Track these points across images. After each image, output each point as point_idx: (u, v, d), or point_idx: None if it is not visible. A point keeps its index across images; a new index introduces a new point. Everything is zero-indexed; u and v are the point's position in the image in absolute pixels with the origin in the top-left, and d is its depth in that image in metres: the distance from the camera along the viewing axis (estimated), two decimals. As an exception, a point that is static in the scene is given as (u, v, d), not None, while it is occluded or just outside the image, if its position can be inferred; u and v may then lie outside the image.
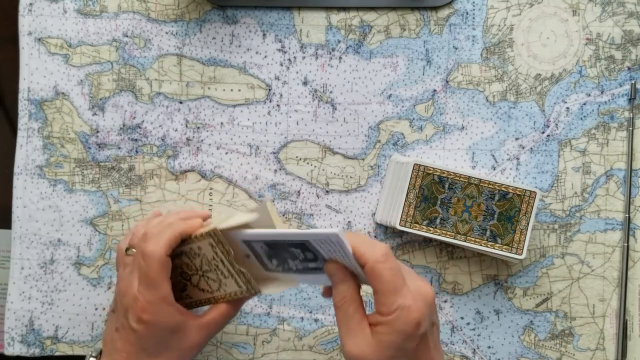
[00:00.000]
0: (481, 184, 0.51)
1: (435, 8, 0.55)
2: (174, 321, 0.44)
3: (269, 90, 0.56)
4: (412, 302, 0.39)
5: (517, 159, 0.55)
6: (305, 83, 0.56)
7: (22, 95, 0.56)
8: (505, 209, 0.51)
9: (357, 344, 0.40)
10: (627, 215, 0.54)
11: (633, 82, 0.54)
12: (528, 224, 0.50)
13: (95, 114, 0.56)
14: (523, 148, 0.55)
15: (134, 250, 0.47)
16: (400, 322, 0.39)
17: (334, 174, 0.56)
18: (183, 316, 0.45)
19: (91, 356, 0.48)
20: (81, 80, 0.56)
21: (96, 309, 0.56)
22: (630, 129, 0.54)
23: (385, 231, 0.56)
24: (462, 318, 0.55)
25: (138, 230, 0.48)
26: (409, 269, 0.43)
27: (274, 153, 0.56)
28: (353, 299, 0.41)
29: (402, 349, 0.39)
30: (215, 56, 0.56)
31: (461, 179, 0.51)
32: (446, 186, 0.51)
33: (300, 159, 0.56)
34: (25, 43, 0.56)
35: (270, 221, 0.43)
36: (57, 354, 0.56)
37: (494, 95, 0.55)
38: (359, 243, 0.41)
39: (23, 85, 0.56)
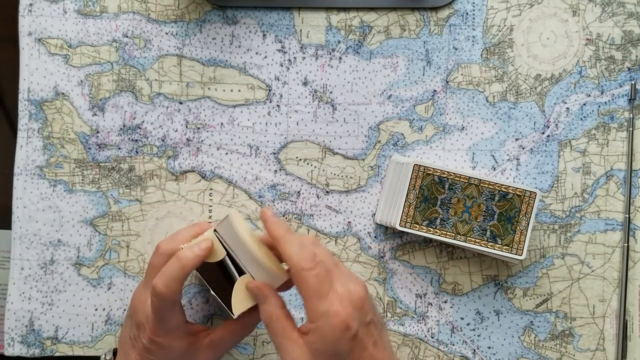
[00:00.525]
0: (481, 185, 0.51)
1: (435, 8, 0.55)
2: (184, 345, 0.46)
3: (269, 90, 0.56)
4: (338, 306, 0.39)
5: (517, 159, 0.55)
6: (305, 83, 0.56)
7: (22, 95, 0.56)
8: (505, 210, 0.51)
9: (292, 357, 0.40)
10: (627, 215, 0.54)
11: (633, 82, 0.54)
12: (528, 224, 0.50)
13: (95, 114, 0.56)
14: (523, 148, 0.55)
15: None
16: (327, 328, 0.39)
17: (334, 174, 0.56)
18: (194, 337, 0.46)
19: (105, 359, 0.50)
20: (81, 81, 0.56)
21: (96, 309, 0.56)
22: (630, 129, 0.54)
23: (386, 231, 0.56)
24: (462, 318, 0.55)
25: (162, 248, 0.48)
26: (342, 269, 0.43)
27: (274, 153, 0.56)
28: (278, 316, 0.42)
29: (335, 355, 0.39)
30: (215, 57, 0.56)
31: (461, 180, 0.51)
32: (446, 187, 0.51)
33: (300, 159, 0.56)
34: (25, 43, 0.56)
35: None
36: (57, 354, 0.56)
37: (494, 96, 0.55)
38: (288, 243, 0.41)
39: (23, 85, 0.56)
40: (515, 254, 0.50)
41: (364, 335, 0.40)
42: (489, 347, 0.55)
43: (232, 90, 0.56)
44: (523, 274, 0.55)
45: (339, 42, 0.56)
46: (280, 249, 0.42)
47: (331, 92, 0.56)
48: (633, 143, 0.54)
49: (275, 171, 0.56)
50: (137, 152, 0.56)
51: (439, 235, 0.51)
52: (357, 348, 0.40)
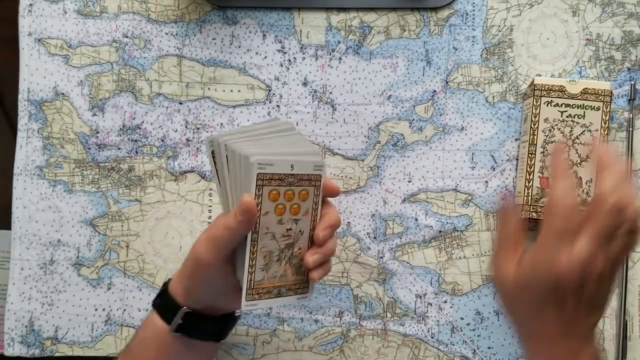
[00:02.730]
0: None
1: (435, 9, 0.55)
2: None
3: (269, 90, 0.56)
4: (565, 262, 0.39)
5: (517, 159, 0.55)
6: (305, 84, 0.56)
7: (22, 95, 0.56)
8: None
9: (508, 270, 0.42)
10: (627, 215, 0.53)
11: (633, 82, 0.54)
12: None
13: (95, 114, 0.56)
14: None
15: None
16: (540, 270, 0.40)
17: (334, 174, 0.56)
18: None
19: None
20: (81, 81, 0.56)
21: (96, 309, 0.56)
22: (630, 129, 0.54)
23: (385, 232, 0.56)
24: (462, 319, 0.55)
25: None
26: (601, 242, 0.40)
27: (274, 154, 0.56)
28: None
29: (537, 294, 0.40)
30: (215, 57, 0.56)
31: None
32: None
33: (300, 159, 0.56)
34: (25, 44, 0.57)
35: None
36: (57, 354, 0.56)
37: (493, 96, 0.55)
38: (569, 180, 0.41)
39: (23, 85, 0.56)
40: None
41: (569, 301, 0.39)
42: (489, 347, 0.55)
43: (232, 91, 0.56)
44: (523, 274, 0.55)
45: (339, 42, 0.56)
46: (553, 180, 0.41)
47: (331, 93, 0.56)
48: (633, 143, 0.54)
49: (275, 171, 0.56)
50: (136, 152, 0.56)
51: None
52: (555, 304, 0.39)
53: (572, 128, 0.51)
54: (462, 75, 0.55)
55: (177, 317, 0.44)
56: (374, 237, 0.56)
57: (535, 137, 0.50)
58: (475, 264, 0.55)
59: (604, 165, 0.41)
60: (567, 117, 0.50)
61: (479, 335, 0.55)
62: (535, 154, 0.50)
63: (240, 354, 0.56)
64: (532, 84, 0.52)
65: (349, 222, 0.56)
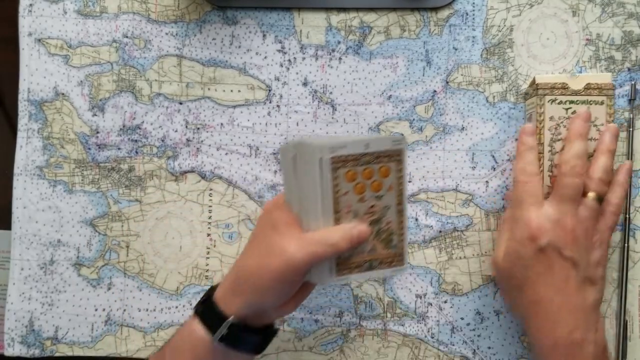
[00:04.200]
0: None
1: (435, 9, 0.55)
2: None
3: (269, 91, 0.56)
4: (533, 216, 0.45)
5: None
6: (305, 84, 0.56)
7: (22, 96, 0.56)
8: None
9: (497, 247, 0.49)
10: (627, 215, 0.53)
11: (633, 82, 0.54)
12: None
13: (95, 114, 0.56)
14: (523, 149, 0.55)
15: None
16: (517, 231, 0.46)
17: (334, 174, 0.56)
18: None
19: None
20: (81, 81, 0.56)
21: (96, 309, 0.56)
22: (630, 129, 0.54)
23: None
24: (462, 319, 0.55)
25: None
26: (565, 200, 0.46)
27: (274, 154, 0.56)
28: None
29: (520, 258, 0.45)
30: (215, 57, 0.56)
31: None
32: None
33: (300, 159, 0.56)
34: (25, 44, 0.57)
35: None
36: (57, 354, 0.56)
37: (494, 96, 0.55)
38: (521, 156, 0.50)
39: (23, 86, 0.56)
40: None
41: (554, 258, 0.43)
42: (489, 347, 0.55)
43: (232, 91, 0.56)
44: (523, 274, 0.55)
45: (339, 42, 0.56)
46: (518, 155, 0.49)
47: (331, 93, 0.56)
48: (633, 143, 0.54)
49: (275, 171, 0.56)
50: (136, 152, 0.56)
51: None
52: (542, 264, 0.43)
53: None
54: (462, 75, 0.55)
55: (222, 328, 0.43)
56: (374, 237, 0.56)
57: (542, 136, 0.50)
58: (476, 264, 0.55)
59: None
60: (572, 113, 0.50)
61: (479, 335, 0.55)
62: (543, 152, 0.50)
63: (240, 354, 0.56)
64: (533, 82, 0.52)
65: (349, 222, 0.56)
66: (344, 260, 0.43)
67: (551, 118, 0.50)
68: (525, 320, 0.46)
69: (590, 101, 0.50)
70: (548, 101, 0.51)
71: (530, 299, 0.45)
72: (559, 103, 0.50)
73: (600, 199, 0.47)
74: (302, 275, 0.42)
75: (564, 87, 0.51)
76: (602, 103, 0.50)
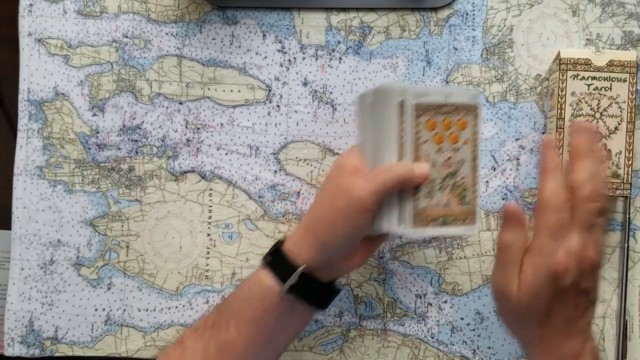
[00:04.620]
0: None
1: (435, 9, 0.55)
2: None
3: (269, 91, 0.56)
4: (562, 255, 0.39)
5: (517, 159, 0.55)
6: (305, 84, 0.56)
7: (22, 96, 0.56)
8: None
9: (507, 282, 0.41)
10: (627, 216, 0.53)
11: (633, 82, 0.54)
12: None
13: (95, 114, 0.56)
14: (523, 149, 0.55)
15: None
16: (541, 268, 0.40)
17: (334, 174, 0.56)
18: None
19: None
20: (81, 81, 0.56)
21: (96, 309, 0.56)
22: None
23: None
24: (462, 319, 0.55)
25: None
26: (595, 235, 0.41)
27: (274, 154, 0.56)
28: (519, 246, 0.42)
29: (537, 295, 0.40)
30: (215, 57, 0.56)
31: None
32: None
33: (300, 159, 0.56)
34: (25, 44, 0.57)
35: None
36: (57, 354, 0.56)
37: (494, 96, 0.55)
38: (550, 179, 0.41)
39: (23, 86, 0.56)
40: None
41: (571, 292, 0.40)
42: (489, 347, 0.55)
43: (232, 91, 0.56)
44: (523, 274, 0.55)
45: (339, 42, 0.56)
46: (543, 178, 0.42)
47: (331, 93, 0.56)
48: (634, 143, 0.54)
49: (275, 171, 0.56)
50: (136, 152, 0.56)
51: None
52: (558, 298, 0.40)
53: (599, 101, 0.51)
54: (462, 75, 0.55)
55: (293, 276, 0.44)
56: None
57: (562, 111, 0.50)
58: (476, 264, 0.55)
59: (579, 154, 0.42)
60: (593, 89, 0.50)
61: (479, 335, 0.55)
62: (563, 128, 0.50)
63: (240, 354, 0.56)
64: (557, 57, 0.52)
65: (349, 222, 0.56)
66: (420, 211, 0.42)
67: (573, 94, 0.50)
68: (528, 346, 0.44)
69: (613, 78, 0.50)
70: (570, 77, 0.51)
71: (541, 330, 0.42)
72: (581, 79, 0.50)
73: None
74: (369, 212, 0.42)
75: (587, 62, 0.51)
76: (624, 80, 0.50)
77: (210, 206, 0.56)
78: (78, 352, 0.56)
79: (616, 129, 0.50)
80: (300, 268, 0.44)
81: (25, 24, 0.57)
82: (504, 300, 0.42)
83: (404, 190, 0.42)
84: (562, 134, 0.51)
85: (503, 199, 0.54)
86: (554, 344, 0.41)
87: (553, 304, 0.40)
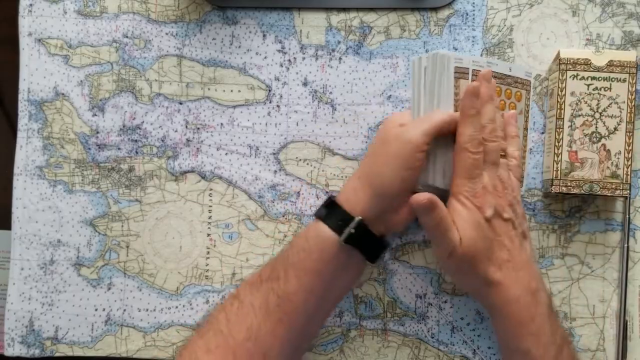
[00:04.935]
0: None
1: (435, 9, 0.55)
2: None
3: (269, 91, 0.56)
4: (478, 189, 0.46)
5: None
6: (305, 84, 0.56)
7: (22, 96, 0.56)
8: None
9: (458, 228, 0.46)
10: (627, 216, 0.53)
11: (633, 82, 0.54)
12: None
13: (95, 114, 0.56)
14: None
15: None
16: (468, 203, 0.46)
17: (334, 174, 0.56)
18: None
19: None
20: (81, 81, 0.57)
21: (96, 309, 0.56)
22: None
23: (385, 232, 0.55)
24: (462, 319, 0.55)
25: None
26: (502, 170, 0.47)
27: (274, 154, 0.56)
28: (443, 216, 0.46)
29: (479, 226, 0.46)
30: (215, 57, 0.56)
31: None
32: None
33: (300, 159, 0.56)
34: (26, 44, 0.57)
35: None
36: (57, 354, 0.56)
37: (493, 96, 0.55)
38: (466, 122, 0.46)
39: (23, 86, 0.56)
40: None
41: (499, 224, 0.46)
42: (489, 347, 0.55)
43: (232, 91, 0.56)
44: (523, 274, 0.55)
45: (339, 42, 0.56)
46: (459, 122, 0.47)
47: (331, 93, 0.56)
48: (633, 143, 0.54)
49: (275, 171, 0.56)
50: (136, 152, 0.56)
51: None
52: (493, 232, 0.46)
53: (598, 101, 0.51)
54: (462, 75, 0.55)
55: (350, 226, 0.46)
56: (374, 237, 0.56)
57: (562, 111, 0.51)
58: (475, 264, 0.55)
59: (482, 101, 0.47)
60: (593, 90, 0.50)
61: (479, 335, 0.55)
62: (563, 127, 0.51)
63: (240, 354, 0.56)
64: (557, 57, 0.52)
65: (349, 222, 0.56)
66: None
67: (572, 93, 0.51)
68: (488, 288, 0.47)
69: (613, 78, 0.50)
70: (570, 77, 0.51)
71: (494, 268, 0.46)
72: (580, 79, 0.51)
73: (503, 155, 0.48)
74: (422, 153, 0.45)
75: (587, 62, 0.51)
76: (624, 80, 0.50)
77: (210, 206, 0.56)
78: (78, 352, 0.56)
79: (615, 129, 0.50)
80: (358, 218, 0.46)
81: (25, 24, 0.57)
82: (455, 259, 0.46)
83: (448, 147, 0.47)
84: (561, 134, 0.51)
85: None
86: (510, 282, 0.46)
87: (491, 237, 0.46)
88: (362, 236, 0.47)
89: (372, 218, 0.47)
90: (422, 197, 0.45)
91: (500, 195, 0.46)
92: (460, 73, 0.47)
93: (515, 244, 0.46)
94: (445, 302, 0.55)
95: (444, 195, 0.46)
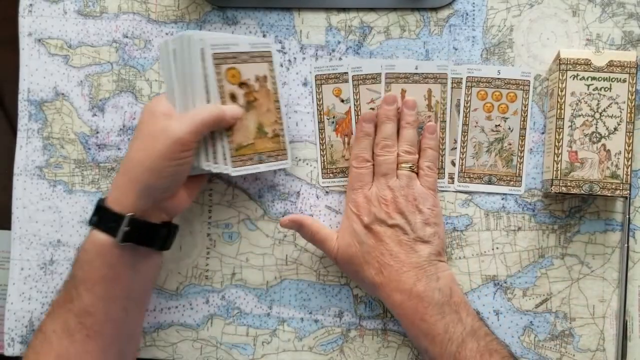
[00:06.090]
0: None
1: (435, 9, 0.55)
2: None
3: (269, 91, 0.56)
4: (360, 198, 0.51)
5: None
6: (305, 84, 0.56)
7: (22, 96, 0.57)
8: None
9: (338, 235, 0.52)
10: (627, 216, 0.53)
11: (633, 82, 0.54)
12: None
13: (95, 114, 0.56)
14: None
15: None
16: (349, 212, 0.52)
17: (334, 174, 0.56)
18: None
19: None
20: (81, 81, 0.57)
21: (96, 309, 0.56)
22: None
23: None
24: (462, 319, 0.55)
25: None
26: (392, 182, 0.51)
27: (274, 154, 0.56)
28: (318, 229, 0.52)
29: (355, 234, 0.50)
30: (215, 57, 0.56)
31: None
32: None
33: (300, 159, 0.56)
34: (26, 44, 0.57)
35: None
36: (57, 354, 0.56)
37: (493, 96, 0.55)
38: (358, 141, 0.53)
39: (23, 86, 0.57)
40: None
41: (382, 230, 0.50)
42: (489, 348, 0.55)
43: (232, 91, 0.56)
44: (522, 274, 0.55)
45: (339, 42, 0.56)
46: (355, 143, 0.53)
47: (331, 93, 0.56)
48: (633, 143, 0.54)
49: (275, 171, 0.56)
50: (137, 152, 0.56)
51: None
52: (374, 237, 0.50)
53: (599, 101, 0.51)
54: (462, 75, 0.55)
55: (123, 225, 0.45)
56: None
57: (562, 111, 0.51)
58: (475, 264, 0.55)
59: (379, 121, 0.52)
60: (593, 90, 0.50)
61: (479, 336, 0.55)
62: (563, 128, 0.50)
63: (240, 354, 0.56)
64: (557, 57, 0.52)
65: (349, 222, 0.56)
66: (467, 169, 0.53)
67: (572, 94, 0.51)
68: (375, 289, 0.50)
69: (613, 78, 0.50)
70: (570, 77, 0.51)
71: (374, 271, 0.50)
72: (580, 79, 0.51)
73: (413, 167, 0.51)
74: (189, 151, 0.46)
75: (587, 63, 0.51)
76: (624, 81, 0.50)
77: (210, 206, 0.56)
78: (78, 352, 0.56)
79: (616, 129, 0.50)
80: (128, 215, 0.45)
81: (25, 24, 0.57)
82: (339, 264, 0.52)
83: (217, 130, 0.48)
84: (561, 134, 0.51)
85: (502, 199, 0.54)
86: (395, 284, 0.49)
87: (370, 242, 0.50)
88: (141, 229, 0.46)
89: (146, 210, 0.47)
90: (284, 220, 0.51)
91: (388, 203, 0.50)
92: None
93: (403, 248, 0.49)
94: (445, 302, 0.55)
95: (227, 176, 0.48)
